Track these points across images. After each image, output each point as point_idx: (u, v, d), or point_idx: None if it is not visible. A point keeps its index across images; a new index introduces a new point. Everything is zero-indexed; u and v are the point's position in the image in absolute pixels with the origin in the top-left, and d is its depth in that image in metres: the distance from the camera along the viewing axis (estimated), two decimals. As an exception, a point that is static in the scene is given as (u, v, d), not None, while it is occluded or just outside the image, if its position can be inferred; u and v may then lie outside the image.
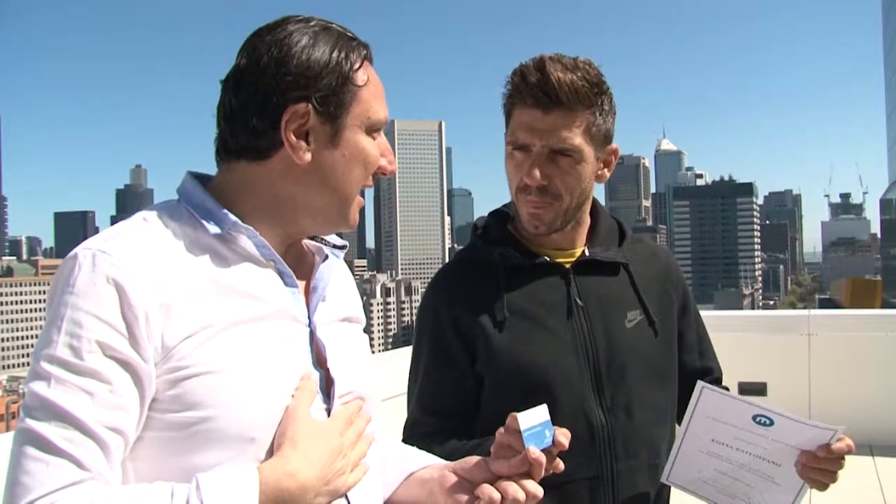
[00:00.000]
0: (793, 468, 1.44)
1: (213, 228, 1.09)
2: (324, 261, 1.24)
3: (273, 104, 1.08)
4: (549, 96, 1.51)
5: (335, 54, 1.10)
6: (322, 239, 1.28)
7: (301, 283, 1.17)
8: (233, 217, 1.09)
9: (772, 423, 1.39)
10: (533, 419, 1.16)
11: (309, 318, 1.16)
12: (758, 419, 1.39)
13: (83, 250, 1.01)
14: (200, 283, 1.04)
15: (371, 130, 1.16)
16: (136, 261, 1.00)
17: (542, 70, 1.51)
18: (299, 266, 1.19)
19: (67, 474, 0.91)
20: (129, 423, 0.97)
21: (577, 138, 1.53)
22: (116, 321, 0.97)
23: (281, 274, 1.14)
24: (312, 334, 1.15)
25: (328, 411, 1.13)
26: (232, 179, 1.14)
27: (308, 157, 1.10)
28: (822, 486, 1.47)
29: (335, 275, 1.25)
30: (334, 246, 1.28)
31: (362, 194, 1.21)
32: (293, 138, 1.09)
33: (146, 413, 1.00)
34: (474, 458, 1.23)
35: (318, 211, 1.16)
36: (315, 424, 1.07)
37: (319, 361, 1.15)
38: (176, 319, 1.00)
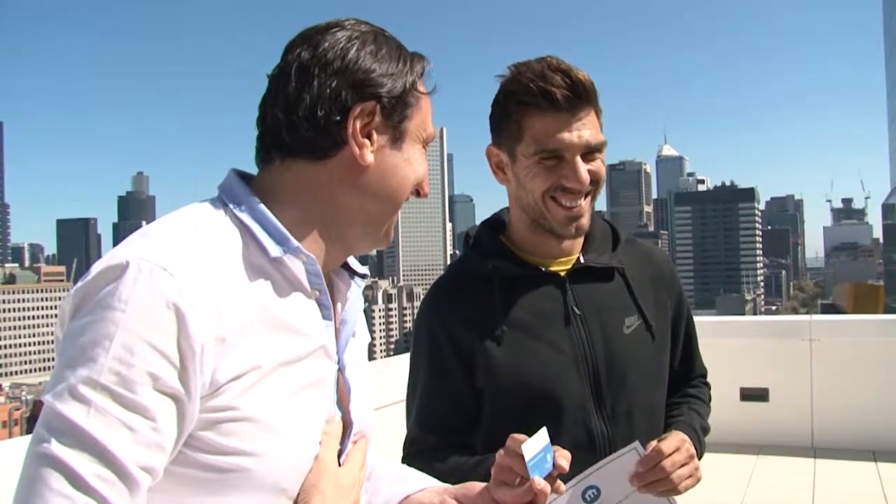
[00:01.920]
0: None
1: (275, 251, 1.01)
2: (348, 289, 1.18)
3: (343, 98, 1.03)
4: (578, 95, 1.50)
5: (402, 61, 1.09)
6: (346, 264, 1.19)
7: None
8: (295, 242, 1.02)
9: (598, 491, 1.39)
10: (535, 446, 1.16)
11: (339, 354, 1.11)
12: (587, 496, 1.39)
13: (137, 261, 0.90)
14: (253, 313, 0.97)
15: (426, 143, 1.15)
16: (198, 285, 0.91)
17: (564, 71, 1.50)
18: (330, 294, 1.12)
19: None
20: (164, 462, 0.90)
21: (600, 133, 1.55)
22: (172, 352, 0.88)
23: (320, 305, 1.08)
24: (340, 372, 1.11)
25: (340, 452, 1.10)
26: (284, 180, 1.07)
27: (371, 158, 1.06)
28: (675, 490, 1.46)
29: (360, 306, 1.20)
30: (356, 274, 1.20)
31: None
32: (360, 136, 1.05)
33: (179, 448, 0.92)
34: (477, 486, 1.21)
35: (368, 221, 1.11)
36: (341, 475, 1.06)
37: (341, 401, 1.11)
38: (228, 355, 0.93)
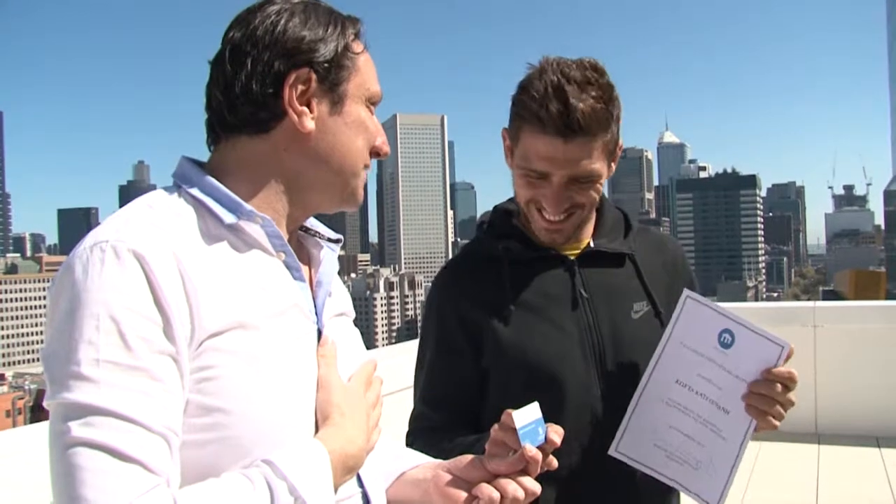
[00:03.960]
0: (737, 416, 1.44)
1: (229, 217, 1.02)
2: (321, 253, 1.20)
3: (275, 70, 1.05)
4: (572, 128, 1.47)
5: (331, 25, 1.10)
6: (316, 232, 1.23)
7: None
8: (248, 206, 1.04)
9: (732, 341, 1.41)
10: (527, 417, 1.17)
11: (316, 313, 1.12)
12: (722, 337, 1.41)
13: (98, 244, 0.92)
14: (219, 275, 0.98)
15: (370, 103, 1.15)
16: (159, 250, 0.93)
17: (563, 100, 1.46)
18: (299, 259, 1.13)
19: (142, 481, 0.84)
20: (180, 423, 0.91)
21: (596, 163, 1.52)
22: (153, 312, 0.89)
23: (288, 267, 1.09)
24: (319, 331, 1.12)
25: None
26: (231, 157, 1.09)
27: (311, 124, 1.07)
28: (763, 418, 1.44)
29: (335, 268, 1.22)
30: (329, 239, 1.23)
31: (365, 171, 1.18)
32: (297, 104, 1.06)
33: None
34: (467, 457, 1.21)
35: (324, 186, 1.12)
36: (350, 389, 1.08)
37: None
38: (203, 314, 0.94)
